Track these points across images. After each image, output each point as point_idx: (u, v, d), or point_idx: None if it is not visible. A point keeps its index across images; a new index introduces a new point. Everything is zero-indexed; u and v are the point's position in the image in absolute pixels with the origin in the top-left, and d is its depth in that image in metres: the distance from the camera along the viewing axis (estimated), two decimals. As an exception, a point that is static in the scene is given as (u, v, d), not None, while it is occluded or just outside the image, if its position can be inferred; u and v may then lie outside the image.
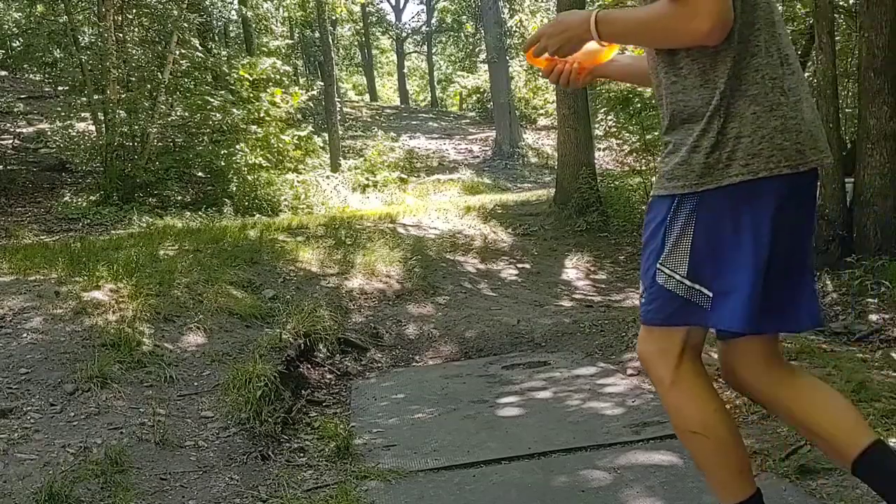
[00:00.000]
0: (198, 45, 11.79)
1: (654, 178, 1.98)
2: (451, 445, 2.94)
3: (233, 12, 18.33)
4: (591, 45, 1.83)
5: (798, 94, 1.67)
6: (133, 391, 3.13)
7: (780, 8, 8.61)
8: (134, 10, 10.91)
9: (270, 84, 12.19)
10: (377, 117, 22.17)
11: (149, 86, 10.36)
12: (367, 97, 30.68)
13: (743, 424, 2.89)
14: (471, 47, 30.50)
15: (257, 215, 9.28)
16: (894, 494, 1.66)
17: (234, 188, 10.25)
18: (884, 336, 4.33)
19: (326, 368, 4.09)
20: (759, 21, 1.71)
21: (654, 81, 1.78)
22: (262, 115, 11.54)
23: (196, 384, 3.35)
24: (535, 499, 2.43)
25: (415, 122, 22.66)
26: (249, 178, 10.46)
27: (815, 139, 1.68)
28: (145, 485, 2.51)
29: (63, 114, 10.78)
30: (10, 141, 11.95)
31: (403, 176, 14.08)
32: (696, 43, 1.62)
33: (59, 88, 12.24)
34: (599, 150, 13.93)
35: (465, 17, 30.78)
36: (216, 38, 17.35)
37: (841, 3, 7.70)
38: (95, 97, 9.81)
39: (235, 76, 11.83)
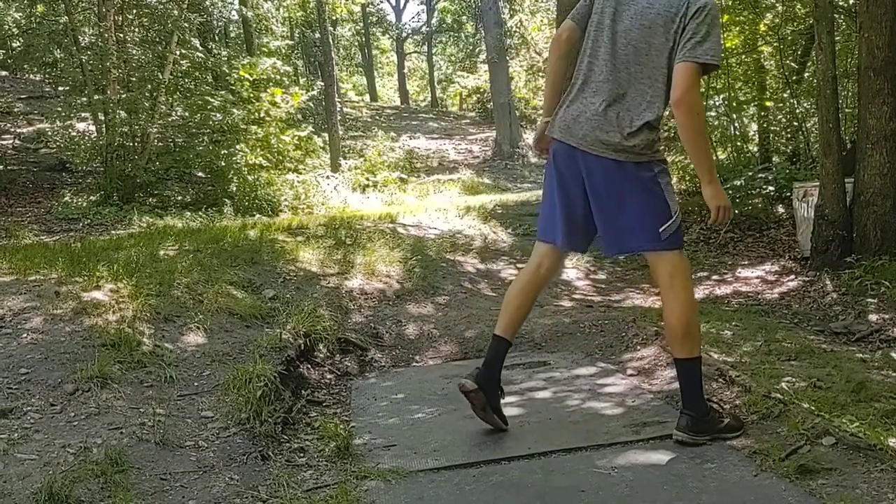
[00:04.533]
0: (198, 46, 11.79)
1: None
2: (450, 445, 2.94)
3: (233, 12, 18.34)
4: None
5: None
6: (133, 391, 3.13)
7: (780, 8, 8.65)
8: (134, 11, 10.91)
9: (270, 84, 12.19)
10: (377, 117, 22.16)
11: (149, 86, 10.35)
12: (367, 97, 30.67)
13: (742, 425, 2.89)
14: (471, 47, 30.51)
15: (257, 215, 9.28)
16: None
17: (235, 188, 10.25)
18: (884, 336, 4.33)
19: (326, 368, 4.09)
20: None
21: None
22: (262, 115, 11.53)
23: (196, 384, 3.35)
24: (534, 499, 2.43)
25: (415, 123, 22.67)
26: (249, 178, 10.45)
27: None
28: (145, 485, 2.51)
29: (63, 114, 10.77)
30: (11, 141, 11.96)
31: (403, 176, 14.08)
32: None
33: (60, 88, 12.25)
34: (599, 150, 13.90)
35: (465, 17, 30.81)
36: (216, 39, 17.36)
37: (841, 3, 7.70)
38: (96, 97, 9.80)
39: (235, 76, 11.83)
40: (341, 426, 3.12)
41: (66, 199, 9.26)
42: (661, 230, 2.71)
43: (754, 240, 7.36)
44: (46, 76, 14.20)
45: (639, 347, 4.07)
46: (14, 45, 15.81)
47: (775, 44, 8.71)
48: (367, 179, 13.03)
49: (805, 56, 8.97)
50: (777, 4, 8.93)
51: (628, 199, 2.74)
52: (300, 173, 11.63)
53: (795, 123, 8.80)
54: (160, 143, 10.73)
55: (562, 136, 2.85)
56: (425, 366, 4.33)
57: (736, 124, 9.28)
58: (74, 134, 11.07)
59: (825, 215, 5.68)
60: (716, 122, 9.38)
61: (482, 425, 3.13)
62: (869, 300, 4.89)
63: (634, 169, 2.73)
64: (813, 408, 2.77)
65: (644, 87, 2.74)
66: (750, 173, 7.60)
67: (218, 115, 10.64)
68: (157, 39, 11.12)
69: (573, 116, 2.82)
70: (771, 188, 7.58)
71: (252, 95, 11.79)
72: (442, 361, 4.37)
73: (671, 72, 2.69)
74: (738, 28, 8.68)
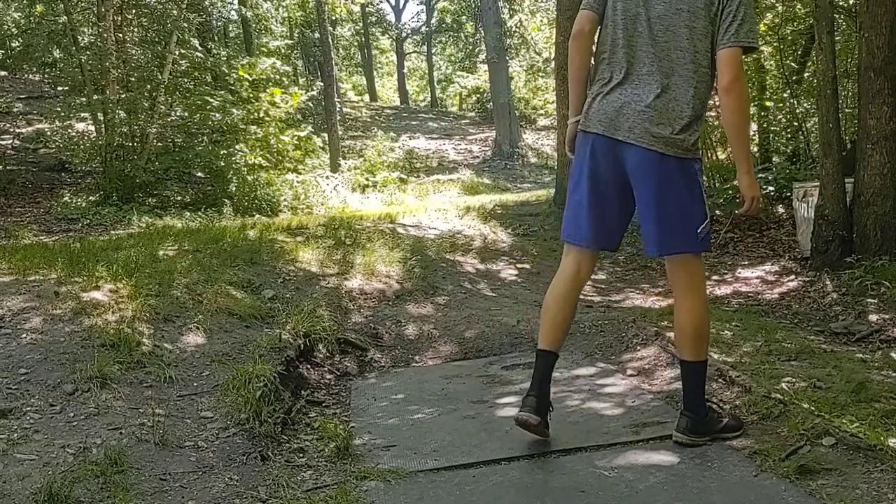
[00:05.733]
0: (197, 46, 11.78)
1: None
2: (450, 446, 2.93)
3: (232, 12, 18.38)
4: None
5: None
6: (132, 391, 3.13)
7: (780, 8, 8.64)
8: (133, 11, 10.90)
9: (270, 84, 12.20)
10: (377, 117, 22.18)
11: (148, 86, 10.34)
12: (366, 97, 30.68)
13: (742, 425, 2.89)
14: (470, 47, 30.53)
15: (257, 215, 9.27)
16: None
17: (234, 188, 10.24)
18: (884, 336, 4.32)
19: (326, 369, 4.08)
20: None
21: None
22: (261, 115, 11.54)
23: (195, 384, 3.35)
24: (534, 499, 2.43)
25: (414, 123, 22.67)
26: (249, 178, 10.44)
27: None
28: (145, 485, 2.51)
29: (62, 114, 10.76)
30: (10, 141, 11.94)
31: (403, 176, 14.09)
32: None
33: (59, 88, 12.23)
34: (599, 150, 13.92)
35: (464, 17, 30.80)
36: (216, 39, 17.36)
37: (841, 3, 7.70)
38: (95, 97, 9.79)
39: (235, 76, 11.83)
40: (341, 426, 3.12)
41: (66, 199, 9.25)
42: (697, 231, 2.67)
43: (754, 240, 7.35)
44: (45, 76, 14.20)
45: (639, 348, 4.06)
46: (13, 44, 15.82)
47: (775, 44, 8.70)
48: (367, 179, 13.03)
49: (805, 56, 8.96)
50: (777, 4, 8.93)
51: (671, 196, 2.66)
52: (300, 173, 11.63)
53: (795, 123, 8.80)
54: (159, 143, 10.71)
55: (602, 130, 2.72)
56: (425, 366, 4.32)
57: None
58: (74, 134, 11.06)
59: (825, 215, 5.68)
60: (716, 122, 9.37)
61: (482, 425, 3.13)
62: (869, 300, 4.89)
63: (677, 165, 2.66)
64: (813, 408, 2.77)
65: (688, 72, 2.65)
66: (750, 173, 7.59)
67: (217, 115, 10.63)
68: (157, 39, 11.11)
69: (615, 108, 2.70)
70: (771, 188, 7.58)
71: (251, 95, 11.79)
72: (442, 362, 4.37)
73: (714, 54, 2.64)
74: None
